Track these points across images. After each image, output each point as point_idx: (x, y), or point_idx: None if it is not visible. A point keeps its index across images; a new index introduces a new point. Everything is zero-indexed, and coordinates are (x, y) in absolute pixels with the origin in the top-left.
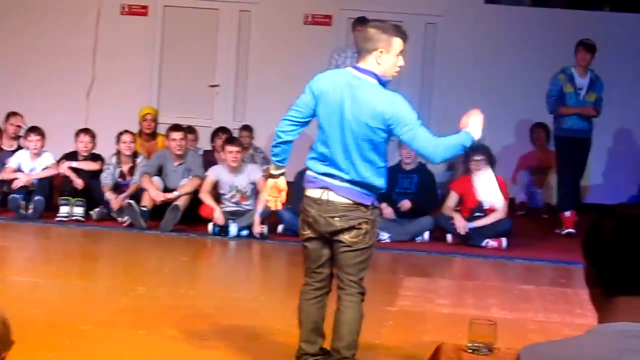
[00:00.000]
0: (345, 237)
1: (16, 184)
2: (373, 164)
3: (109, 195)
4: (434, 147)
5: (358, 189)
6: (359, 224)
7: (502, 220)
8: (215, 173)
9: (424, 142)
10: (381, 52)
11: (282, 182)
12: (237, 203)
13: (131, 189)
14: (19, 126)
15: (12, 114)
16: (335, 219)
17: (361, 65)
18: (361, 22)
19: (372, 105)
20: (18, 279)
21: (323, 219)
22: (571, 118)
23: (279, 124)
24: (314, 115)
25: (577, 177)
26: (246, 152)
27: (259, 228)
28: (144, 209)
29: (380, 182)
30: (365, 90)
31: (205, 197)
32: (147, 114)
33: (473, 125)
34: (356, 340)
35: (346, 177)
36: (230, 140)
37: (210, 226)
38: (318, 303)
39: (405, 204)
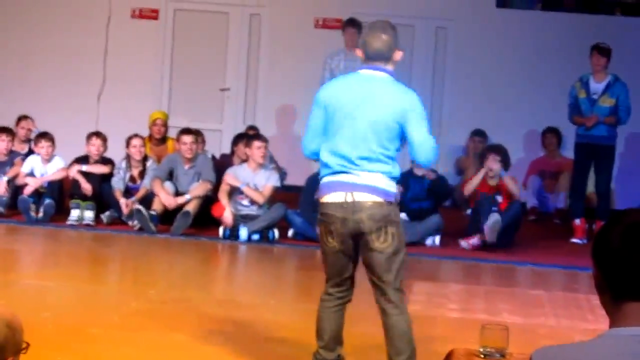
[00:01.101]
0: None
1: (28, 191)
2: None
3: (121, 200)
4: (428, 149)
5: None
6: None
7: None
8: (234, 171)
9: (425, 144)
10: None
11: None
12: (251, 203)
13: (141, 193)
14: (30, 129)
15: (23, 117)
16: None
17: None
18: (352, 23)
19: (391, 98)
20: (28, 282)
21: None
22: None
23: (305, 149)
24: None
25: (598, 185)
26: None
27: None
28: (153, 213)
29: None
30: (382, 84)
31: (222, 196)
32: (157, 118)
33: None
34: (414, 348)
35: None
36: (257, 136)
37: (220, 230)
38: (339, 312)
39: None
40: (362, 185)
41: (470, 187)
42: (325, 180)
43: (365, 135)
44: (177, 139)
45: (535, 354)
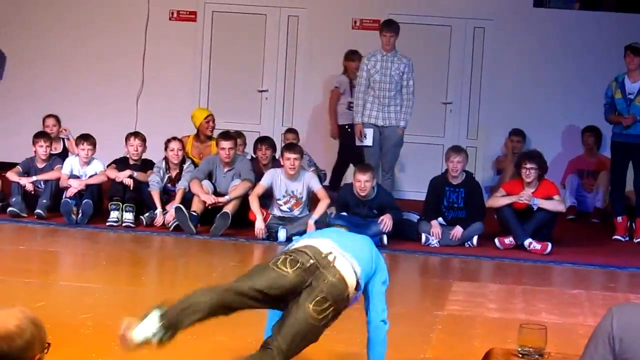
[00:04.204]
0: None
1: (71, 192)
2: None
3: (158, 210)
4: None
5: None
6: None
7: (550, 224)
8: (271, 177)
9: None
10: None
11: None
12: (290, 209)
13: (178, 195)
14: (62, 130)
15: (47, 116)
16: None
17: None
18: (388, 25)
19: None
20: (67, 284)
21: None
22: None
23: None
24: None
25: (636, 183)
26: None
27: (313, 229)
28: (193, 213)
29: None
30: None
31: (253, 202)
32: (209, 115)
33: None
34: None
35: None
36: (290, 146)
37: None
38: None
39: (457, 233)
40: (347, 259)
41: (491, 203)
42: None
43: None
44: (217, 143)
45: (614, 307)
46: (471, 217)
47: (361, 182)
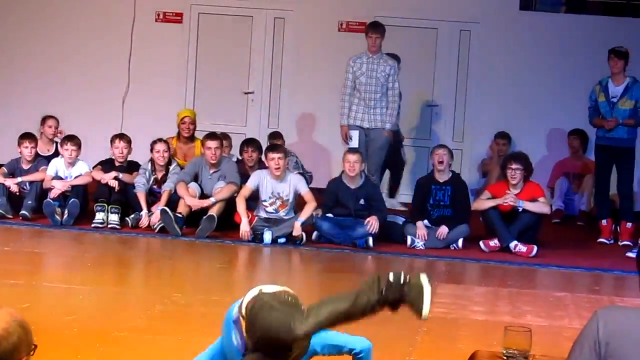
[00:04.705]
0: None
1: (54, 193)
2: None
3: (143, 212)
4: None
5: None
6: None
7: (535, 226)
8: (257, 178)
9: None
10: None
11: None
12: (276, 210)
13: (164, 197)
14: (56, 128)
15: (48, 117)
16: None
17: None
18: (374, 27)
19: None
20: (52, 285)
21: None
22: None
23: None
24: None
25: (620, 186)
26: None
27: (299, 231)
28: (179, 215)
29: None
30: None
31: (239, 204)
32: (185, 116)
33: None
34: None
35: None
36: (272, 147)
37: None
38: None
39: (443, 231)
40: None
41: (477, 205)
42: None
43: None
44: (202, 144)
45: (600, 311)
46: (457, 216)
47: (350, 163)
